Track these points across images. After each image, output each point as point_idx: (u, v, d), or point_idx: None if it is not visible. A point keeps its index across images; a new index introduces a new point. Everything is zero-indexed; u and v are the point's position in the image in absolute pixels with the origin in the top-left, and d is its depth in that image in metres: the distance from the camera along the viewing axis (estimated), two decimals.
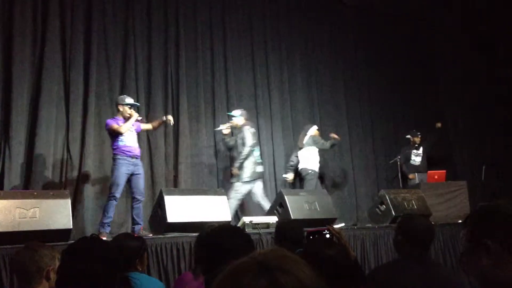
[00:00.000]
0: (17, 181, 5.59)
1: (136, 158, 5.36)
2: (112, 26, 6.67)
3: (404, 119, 9.39)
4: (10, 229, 4.05)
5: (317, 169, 7.33)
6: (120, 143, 5.25)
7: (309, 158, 7.32)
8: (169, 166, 6.85)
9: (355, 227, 6.21)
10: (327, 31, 9.00)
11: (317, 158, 7.38)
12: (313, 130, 7.55)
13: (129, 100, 5.48)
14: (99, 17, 6.54)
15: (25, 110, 5.82)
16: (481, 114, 9.86)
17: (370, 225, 6.36)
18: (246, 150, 6.18)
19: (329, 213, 5.88)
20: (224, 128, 6.47)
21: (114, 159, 5.27)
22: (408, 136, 8.50)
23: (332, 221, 5.83)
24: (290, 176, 7.45)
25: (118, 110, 5.44)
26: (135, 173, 5.30)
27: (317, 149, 7.39)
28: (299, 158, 7.43)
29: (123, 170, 5.19)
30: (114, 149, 5.29)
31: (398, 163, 8.19)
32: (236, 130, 6.55)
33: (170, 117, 5.73)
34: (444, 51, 10.11)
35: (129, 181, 5.30)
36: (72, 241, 2.32)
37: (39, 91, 5.92)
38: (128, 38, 6.77)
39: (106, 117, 6.33)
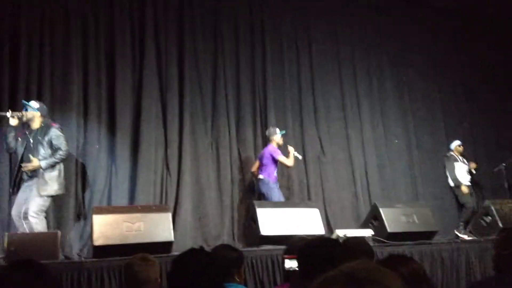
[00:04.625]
0: (123, 196, 6.00)
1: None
2: (202, 48, 6.97)
3: (507, 122, 8.68)
4: (118, 242, 4.35)
5: (460, 182, 7.44)
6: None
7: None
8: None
9: (459, 241, 5.84)
10: (416, 35, 8.66)
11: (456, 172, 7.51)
12: (453, 146, 7.70)
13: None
14: (190, 39, 6.88)
15: (128, 130, 6.26)
16: None
17: (474, 238, 5.95)
18: (64, 152, 4.90)
19: (429, 226, 5.61)
20: (11, 116, 4.84)
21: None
22: None
23: (433, 234, 5.56)
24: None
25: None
26: None
27: (461, 163, 7.49)
28: None
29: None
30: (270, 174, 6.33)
31: (504, 170, 7.60)
32: (29, 129, 5.01)
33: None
34: None
35: None
36: (177, 253, 2.45)
37: (139, 112, 6.35)
38: (217, 57, 7.04)
39: (201, 134, 6.66)
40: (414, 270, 1.91)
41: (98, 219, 4.43)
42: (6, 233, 4.30)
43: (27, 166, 4.76)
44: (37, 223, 4.64)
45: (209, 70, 7.00)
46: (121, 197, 5.97)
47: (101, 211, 4.61)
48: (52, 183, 4.82)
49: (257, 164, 6.54)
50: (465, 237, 6.43)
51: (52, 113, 5.76)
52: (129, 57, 6.45)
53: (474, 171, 7.61)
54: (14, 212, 4.78)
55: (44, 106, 5.13)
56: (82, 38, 6.18)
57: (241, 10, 7.39)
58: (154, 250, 4.03)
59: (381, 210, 5.51)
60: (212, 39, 7.10)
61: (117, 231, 4.39)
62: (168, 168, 6.35)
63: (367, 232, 5.35)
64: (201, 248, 2.01)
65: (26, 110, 4.93)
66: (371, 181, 7.59)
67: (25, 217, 4.67)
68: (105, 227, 4.38)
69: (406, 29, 8.59)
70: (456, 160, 7.53)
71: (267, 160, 6.32)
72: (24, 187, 4.84)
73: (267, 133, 6.64)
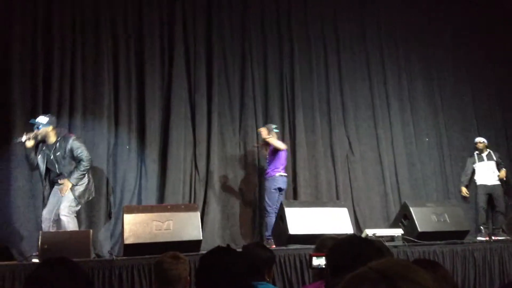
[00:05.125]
0: (152, 196, 6.11)
1: None
2: (230, 49, 7.03)
3: None
4: (148, 241, 4.42)
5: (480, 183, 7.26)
6: None
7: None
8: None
9: (491, 240, 5.69)
10: (447, 30, 8.48)
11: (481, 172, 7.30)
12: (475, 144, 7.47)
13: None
14: (219, 41, 6.94)
15: (157, 130, 6.36)
16: None
17: (507, 237, 5.79)
18: (87, 162, 4.94)
19: (461, 225, 5.48)
20: (27, 139, 4.84)
21: None
22: None
23: (464, 234, 5.44)
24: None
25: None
26: None
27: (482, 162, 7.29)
28: None
29: None
30: None
31: None
32: (46, 144, 5.01)
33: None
34: None
35: None
36: (204, 251, 2.48)
37: (168, 112, 6.44)
38: (245, 58, 7.08)
39: (228, 135, 6.69)
40: (443, 275, 1.87)
41: (129, 218, 4.52)
42: (40, 231, 4.44)
43: (62, 190, 4.87)
44: (69, 222, 4.78)
45: (237, 71, 7.04)
46: (150, 197, 6.08)
47: (131, 210, 4.69)
48: (84, 191, 4.97)
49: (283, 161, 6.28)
50: (481, 238, 6.25)
51: (84, 115, 5.93)
52: (158, 58, 6.56)
53: (504, 179, 7.35)
54: (45, 212, 4.94)
55: (53, 117, 5.12)
56: (112, 40, 6.31)
57: (269, 10, 7.39)
58: (183, 249, 4.03)
59: (411, 209, 5.42)
60: (240, 40, 7.13)
61: (147, 230, 4.46)
62: (196, 168, 6.42)
63: (397, 232, 5.28)
64: (228, 246, 2.03)
65: (38, 128, 4.90)
66: (401, 179, 7.48)
67: (56, 219, 4.82)
68: (136, 226, 4.46)
69: (437, 26, 8.41)
70: (474, 162, 7.34)
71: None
72: (55, 189, 4.98)
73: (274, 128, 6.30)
